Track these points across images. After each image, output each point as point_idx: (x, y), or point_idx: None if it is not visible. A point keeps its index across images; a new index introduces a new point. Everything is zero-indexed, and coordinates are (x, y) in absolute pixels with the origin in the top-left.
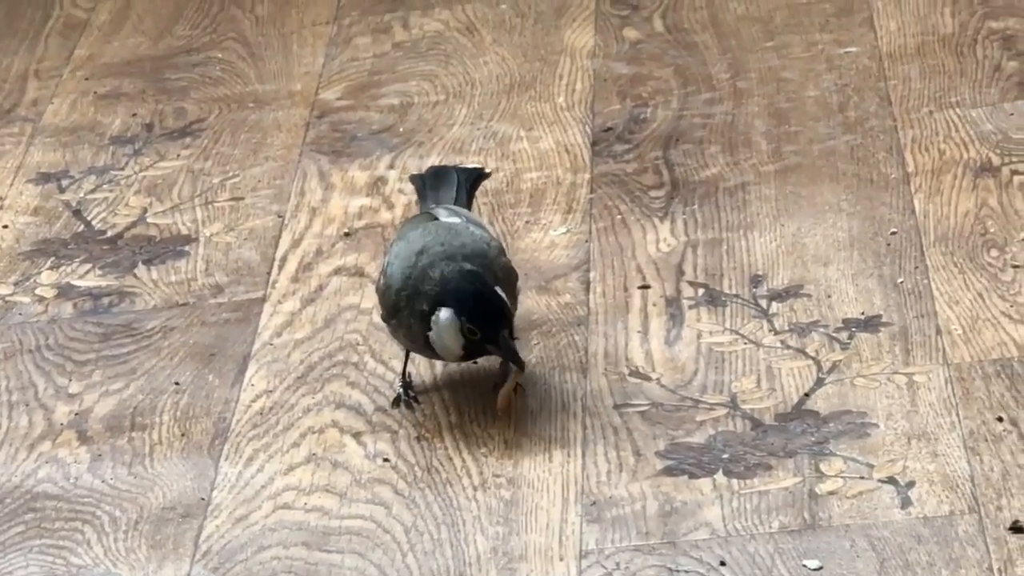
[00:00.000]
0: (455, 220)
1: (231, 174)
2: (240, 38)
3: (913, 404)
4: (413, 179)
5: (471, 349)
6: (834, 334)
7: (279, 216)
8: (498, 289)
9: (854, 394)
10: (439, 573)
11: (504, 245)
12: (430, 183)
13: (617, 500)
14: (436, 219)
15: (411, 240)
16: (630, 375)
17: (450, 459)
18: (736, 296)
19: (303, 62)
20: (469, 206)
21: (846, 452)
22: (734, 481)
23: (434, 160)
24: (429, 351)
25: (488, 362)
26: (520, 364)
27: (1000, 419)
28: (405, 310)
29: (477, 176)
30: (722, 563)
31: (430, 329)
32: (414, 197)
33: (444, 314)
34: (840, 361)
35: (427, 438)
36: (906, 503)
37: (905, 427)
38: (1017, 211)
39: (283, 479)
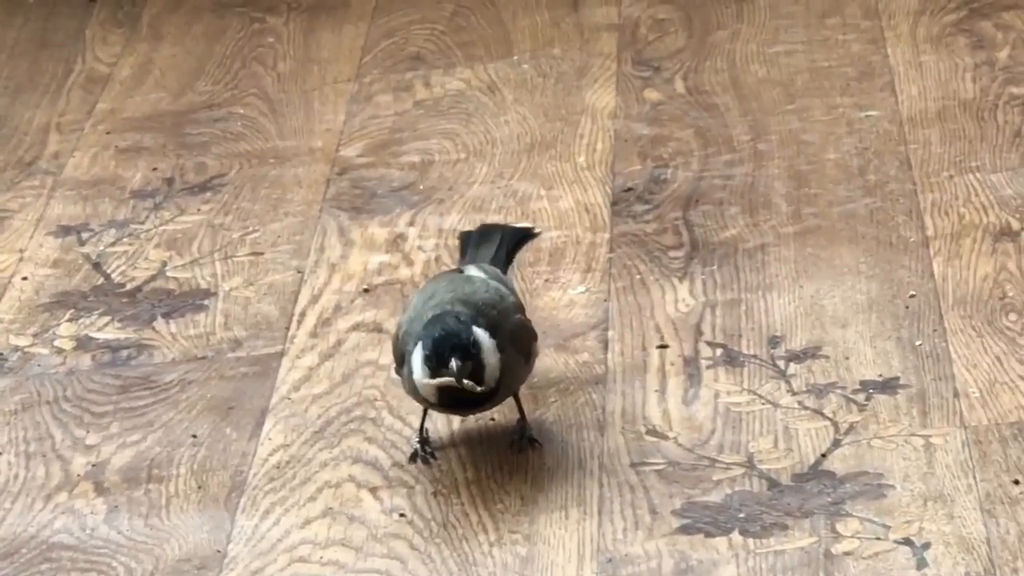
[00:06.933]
0: (479, 275)
1: (251, 229)
2: (262, 94)
3: (930, 466)
4: (462, 236)
5: (444, 387)
6: (852, 395)
7: (298, 272)
8: (477, 329)
9: (871, 455)
10: None
11: (525, 304)
12: (474, 240)
13: (633, 558)
14: (461, 273)
15: (426, 290)
16: (647, 434)
17: (466, 515)
18: (754, 357)
19: (324, 119)
20: (507, 267)
21: (862, 513)
22: (750, 540)
23: (454, 218)
24: (420, 396)
25: (505, 418)
26: (467, 386)
27: (1017, 482)
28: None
29: (523, 236)
30: None
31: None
32: (433, 254)
33: (416, 349)
34: (857, 422)
35: (443, 494)
36: (922, 564)
37: (922, 489)
38: None
39: (299, 532)
